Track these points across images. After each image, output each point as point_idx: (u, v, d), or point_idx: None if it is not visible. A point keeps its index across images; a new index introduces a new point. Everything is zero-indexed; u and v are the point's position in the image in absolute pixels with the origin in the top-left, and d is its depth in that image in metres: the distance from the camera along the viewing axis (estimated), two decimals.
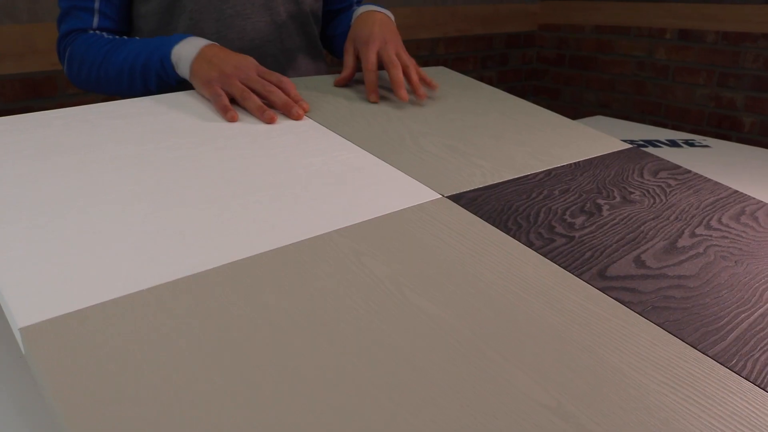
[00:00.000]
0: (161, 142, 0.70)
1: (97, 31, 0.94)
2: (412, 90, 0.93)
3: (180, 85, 0.88)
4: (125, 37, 0.94)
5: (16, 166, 0.62)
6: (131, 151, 0.67)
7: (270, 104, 0.83)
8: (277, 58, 1.04)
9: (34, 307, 0.43)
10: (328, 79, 0.99)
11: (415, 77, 0.93)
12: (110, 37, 0.93)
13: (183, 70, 0.85)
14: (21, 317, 0.42)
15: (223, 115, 0.79)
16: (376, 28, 0.95)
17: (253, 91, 0.83)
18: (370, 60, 0.92)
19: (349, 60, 0.97)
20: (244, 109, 0.82)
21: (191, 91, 0.86)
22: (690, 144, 1.35)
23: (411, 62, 0.94)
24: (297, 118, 0.82)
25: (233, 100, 0.83)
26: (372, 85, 0.91)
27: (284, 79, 0.85)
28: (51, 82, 1.82)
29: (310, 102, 0.87)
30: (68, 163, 0.63)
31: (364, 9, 1.01)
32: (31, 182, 0.59)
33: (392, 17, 1.02)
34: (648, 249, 0.60)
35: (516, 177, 0.72)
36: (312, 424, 0.37)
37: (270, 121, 0.79)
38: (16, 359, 0.58)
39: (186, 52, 0.85)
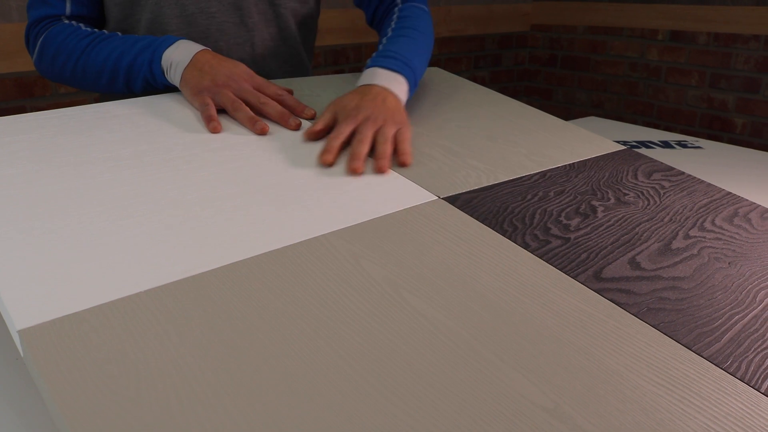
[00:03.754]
0: (157, 144, 0.70)
1: (73, 21, 0.90)
2: (374, 163, 0.72)
3: (165, 89, 0.85)
4: (105, 31, 0.90)
5: (12, 168, 0.61)
6: (128, 152, 0.67)
7: (264, 116, 0.80)
8: (246, 64, 0.97)
9: (32, 309, 0.43)
10: (322, 80, 0.99)
11: (380, 149, 0.73)
12: (89, 29, 0.89)
13: (173, 76, 0.82)
14: (19, 319, 0.42)
15: (206, 125, 0.76)
16: (365, 102, 0.78)
17: (248, 103, 0.79)
18: (341, 131, 0.75)
19: (326, 116, 0.78)
20: (236, 120, 0.79)
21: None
22: (682, 145, 1.35)
23: (385, 144, 0.74)
24: (294, 128, 0.78)
25: (224, 111, 0.79)
26: (332, 148, 0.72)
27: (283, 91, 0.82)
28: (44, 81, 1.81)
29: (305, 101, 0.87)
30: (65, 164, 0.63)
31: (364, 80, 0.84)
32: (28, 184, 0.59)
33: (399, 90, 0.83)
34: (643, 251, 0.61)
35: (511, 179, 0.72)
36: (310, 426, 0.37)
37: (262, 132, 0.75)
38: (13, 361, 0.58)
39: (178, 58, 0.81)
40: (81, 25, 0.90)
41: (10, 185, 0.58)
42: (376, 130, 0.76)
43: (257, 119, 0.76)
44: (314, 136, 0.77)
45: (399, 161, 0.73)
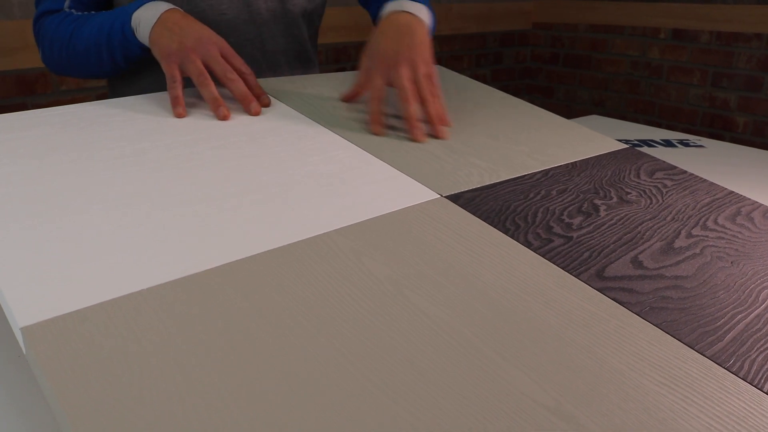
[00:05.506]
0: (158, 141, 0.70)
1: (66, 9, 0.90)
2: (430, 127, 0.80)
3: (146, 53, 0.84)
4: (92, 12, 0.90)
5: (13, 165, 0.61)
6: (129, 149, 0.67)
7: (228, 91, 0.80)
8: (256, 60, 0.98)
9: (34, 306, 0.43)
10: (325, 77, 0.98)
11: (432, 110, 0.79)
12: (78, 14, 0.89)
13: (142, 35, 0.81)
14: (22, 317, 0.42)
15: (171, 107, 0.77)
16: (391, 41, 0.81)
17: (213, 72, 0.79)
18: (376, 86, 0.80)
19: (360, 78, 0.85)
20: (200, 94, 0.79)
21: (187, 89, 0.86)
22: (685, 144, 1.35)
23: (429, 88, 0.80)
24: (254, 114, 0.79)
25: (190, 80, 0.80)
26: (375, 115, 0.79)
27: (246, 68, 0.82)
28: (45, 78, 1.81)
29: (306, 101, 0.87)
30: (67, 161, 0.63)
31: (390, 9, 0.87)
32: (30, 181, 0.59)
33: (424, 16, 0.86)
34: (645, 249, 0.61)
35: (513, 177, 0.72)
36: (312, 424, 0.37)
37: (223, 118, 0.75)
38: (15, 359, 0.58)
39: (146, 16, 0.80)
40: (72, 11, 0.90)
41: (10, 183, 0.58)
42: (413, 79, 0.79)
43: (221, 103, 0.77)
44: (349, 99, 0.86)
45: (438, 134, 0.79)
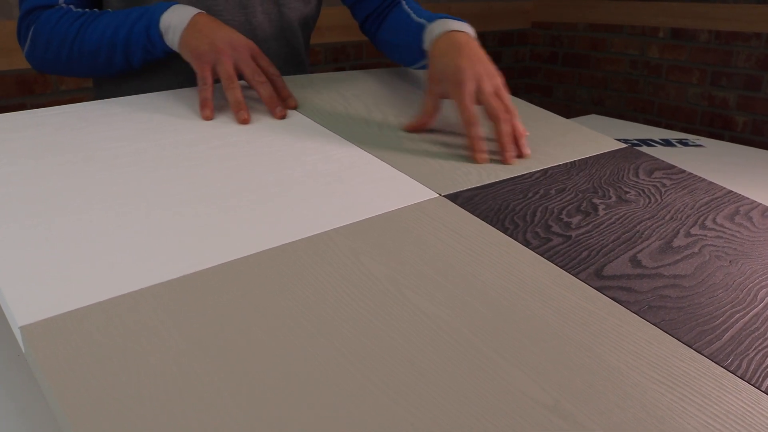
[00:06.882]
0: (157, 141, 0.70)
1: (64, 5, 0.88)
2: (516, 146, 0.78)
3: (166, 56, 0.84)
4: (96, 10, 0.88)
5: (14, 165, 0.61)
6: (128, 149, 0.67)
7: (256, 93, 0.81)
8: None
9: (33, 306, 0.43)
10: (323, 77, 0.99)
11: (520, 128, 0.78)
12: (80, 11, 0.87)
13: (172, 39, 0.81)
14: (21, 316, 0.42)
15: (200, 110, 0.78)
16: (464, 60, 0.78)
17: (242, 74, 0.80)
18: (469, 110, 0.76)
19: (429, 104, 0.81)
20: (225, 96, 0.80)
21: (187, 89, 0.86)
22: (684, 143, 1.35)
23: (509, 104, 0.78)
24: (279, 117, 0.79)
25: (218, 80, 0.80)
26: (478, 142, 0.75)
27: (275, 70, 0.83)
28: (44, 78, 1.81)
29: (306, 99, 0.87)
30: (65, 161, 0.63)
31: (440, 29, 0.85)
32: (29, 181, 0.59)
33: (473, 32, 0.86)
34: (644, 249, 0.61)
35: (512, 176, 0.72)
36: (312, 424, 0.37)
37: (243, 122, 0.76)
38: (14, 358, 0.58)
39: (176, 20, 0.81)
40: (71, 7, 0.88)
41: (10, 183, 0.58)
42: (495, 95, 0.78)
43: (242, 107, 0.78)
44: (417, 129, 0.82)
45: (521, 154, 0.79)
